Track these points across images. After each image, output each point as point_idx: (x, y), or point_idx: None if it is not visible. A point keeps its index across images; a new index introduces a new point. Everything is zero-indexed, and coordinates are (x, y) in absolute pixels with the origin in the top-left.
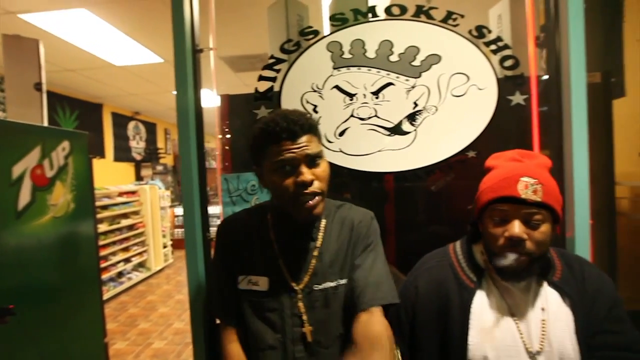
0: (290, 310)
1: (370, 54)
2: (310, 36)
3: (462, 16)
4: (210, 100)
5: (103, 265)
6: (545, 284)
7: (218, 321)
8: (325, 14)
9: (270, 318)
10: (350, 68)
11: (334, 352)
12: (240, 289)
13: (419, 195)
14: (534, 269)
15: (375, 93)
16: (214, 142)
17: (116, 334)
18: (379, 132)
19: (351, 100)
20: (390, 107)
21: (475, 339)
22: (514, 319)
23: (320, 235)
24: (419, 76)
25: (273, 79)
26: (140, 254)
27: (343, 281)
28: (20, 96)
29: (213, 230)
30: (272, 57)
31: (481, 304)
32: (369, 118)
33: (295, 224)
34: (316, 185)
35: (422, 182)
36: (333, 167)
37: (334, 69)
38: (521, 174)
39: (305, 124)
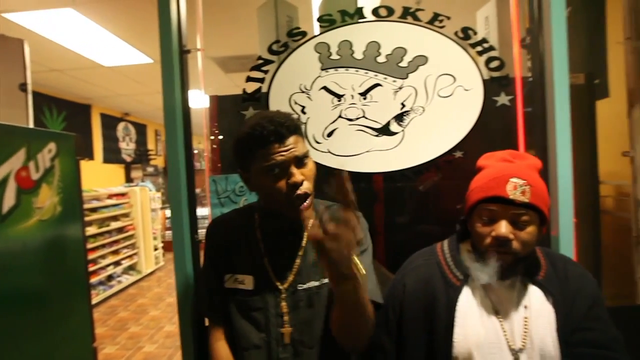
0: (274, 310)
1: (358, 55)
2: (298, 37)
3: (448, 18)
4: (200, 101)
5: (92, 268)
6: (529, 283)
7: (207, 323)
8: (316, 15)
9: (255, 317)
10: (338, 69)
11: (318, 353)
12: (226, 288)
13: (407, 196)
14: (519, 269)
15: (363, 94)
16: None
17: (105, 338)
18: (367, 132)
19: (339, 101)
20: (378, 108)
21: (460, 336)
22: (498, 316)
23: (306, 234)
24: (406, 77)
25: (261, 80)
26: (130, 256)
27: (326, 280)
28: (4, 97)
29: (202, 232)
30: (259, 58)
31: (467, 302)
32: (357, 119)
33: (282, 224)
34: (305, 186)
35: (411, 182)
36: (322, 167)
37: (322, 70)
38: (511, 175)
39: (292, 125)
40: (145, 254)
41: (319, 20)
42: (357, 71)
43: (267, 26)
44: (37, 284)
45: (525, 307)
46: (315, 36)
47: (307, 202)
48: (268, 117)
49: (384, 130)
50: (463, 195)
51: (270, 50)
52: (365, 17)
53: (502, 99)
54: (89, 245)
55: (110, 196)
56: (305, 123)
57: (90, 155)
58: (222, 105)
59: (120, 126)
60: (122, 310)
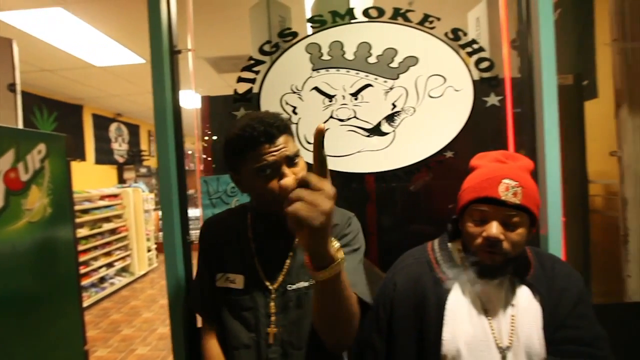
0: (264, 310)
1: (349, 55)
2: (289, 38)
3: (439, 19)
4: (191, 101)
5: (84, 270)
6: (518, 281)
7: (200, 324)
8: (309, 16)
9: (245, 317)
10: (329, 69)
11: (306, 354)
12: (217, 287)
13: (399, 195)
14: (508, 269)
15: (354, 94)
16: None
17: (98, 341)
18: (358, 133)
19: (330, 101)
20: (369, 109)
21: (449, 334)
22: (486, 315)
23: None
24: (397, 78)
25: (252, 81)
26: (123, 258)
27: None
28: None
29: (194, 233)
30: (251, 58)
31: (456, 301)
32: (348, 119)
33: (273, 224)
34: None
35: (402, 182)
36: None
37: (313, 70)
38: (503, 176)
39: (281, 125)
40: (138, 255)
41: (309, 20)
42: (348, 72)
43: (260, 26)
44: (26, 286)
45: (513, 305)
46: (306, 37)
47: None
48: (257, 118)
49: (375, 131)
50: (454, 195)
51: (262, 51)
52: (356, 18)
53: (492, 100)
54: (81, 247)
55: (102, 197)
56: (296, 123)
57: (82, 156)
58: (213, 106)
59: (113, 127)
60: (115, 312)
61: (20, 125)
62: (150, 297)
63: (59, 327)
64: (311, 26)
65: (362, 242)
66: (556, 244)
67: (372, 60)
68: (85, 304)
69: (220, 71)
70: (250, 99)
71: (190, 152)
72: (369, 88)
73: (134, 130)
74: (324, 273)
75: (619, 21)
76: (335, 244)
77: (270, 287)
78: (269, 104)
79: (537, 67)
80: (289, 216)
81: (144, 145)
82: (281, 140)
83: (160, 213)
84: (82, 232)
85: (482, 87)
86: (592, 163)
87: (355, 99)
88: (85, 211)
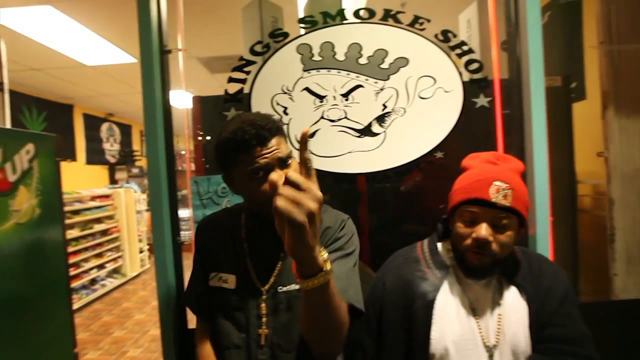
0: (255, 311)
1: (340, 56)
2: (280, 38)
3: (429, 20)
4: (183, 101)
5: (74, 272)
6: (505, 281)
7: (190, 326)
8: (302, 16)
9: (236, 317)
10: (320, 70)
11: (296, 358)
12: (210, 286)
13: (390, 196)
14: (496, 269)
15: (345, 95)
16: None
17: (88, 343)
18: (349, 133)
19: (321, 102)
20: (360, 109)
21: (438, 333)
22: (474, 314)
23: None
24: (388, 79)
25: (243, 81)
26: (115, 259)
27: None
28: None
29: (184, 234)
30: (241, 58)
31: (444, 300)
32: (339, 120)
33: (266, 225)
34: None
35: (393, 182)
36: None
37: (304, 71)
38: (494, 178)
39: (273, 127)
40: (130, 256)
41: (300, 21)
42: (339, 72)
43: (252, 27)
44: (14, 289)
45: (500, 304)
46: (297, 37)
47: None
48: (249, 121)
49: (366, 131)
50: (444, 195)
51: (253, 51)
52: (346, 19)
53: (482, 101)
54: (71, 249)
55: (93, 198)
56: (287, 124)
57: (72, 157)
58: (204, 106)
59: (104, 127)
60: (106, 314)
61: (8, 125)
62: (142, 299)
63: (48, 330)
64: (301, 27)
65: (356, 245)
66: (544, 243)
67: (362, 61)
68: (75, 306)
69: (214, 71)
70: (241, 100)
71: (183, 152)
72: (360, 89)
73: (125, 130)
74: (310, 282)
75: (606, 24)
76: (324, 254)
77: (262, 289)
78: (259, 104)
79: (526, 69)
80: (274, 212)
81: (136, 146)
82: (273, 142)
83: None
84: (72, 233)
85: (472, 89)
86: (581, 164)
87: (346, 100)
88: (76, 212)
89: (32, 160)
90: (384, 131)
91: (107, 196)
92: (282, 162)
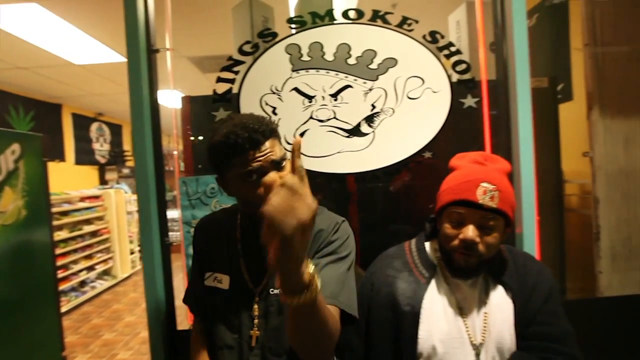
0: (247, 312)
1: (329, 56)
2: (269, 38)
3: (417, 21)
4: (170, 100)
5: (63, 274)
6: (492, 280)
7: (179, 328)
8: (293, 16)
9: (229, 318)
10: (309, 70)
11: None
12: (205, 286)
13: (379, 195)
14: (483, 269)
15: (334, 95)
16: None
17: (77, 346)
18: (337, 133)
19: (310, 102)
20: (349, 109)
21: (425, 332)
22: (461, 313)
23: None
24: (376, 79)
25: (232, 81)
26: (105, 261)
27: None
28: None
29: (172, 235)
30: (230, 58)
31: (432, 299)
32: (328, 120)
33: (261, 227)
34: None
35: (382, 182)
36: None
37: (293, 71)
38: (481, 179)
39: (266, 130)
40: (120, 258)
41: (289, 21)
42: (327, 72)
43: (242, 26)
44: (0, 291)
45: (487, 303)
46: (286, 37)
47: None
48: (241, 124)
49: (355, 132)
50: (433, 195)
51: (241, 51)
52: (335, 20)
53: (469, 101)
54: (60, 250)
55: (82, 199)
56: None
57: (61, 157)
58: (194, 106)
59: (94, 126)
60: (96, 316)
61: None
62: (133, 301)
63: (35, 333)
64: (290, 27)
65: (351, 249)
66: (531, 242)
67: (351, 61)
68: (64, 309)
69: (205, 71)
70: (230, 100)
71: (175, 152)
72: (349, 89)
73: (116, 130)
74: (294, 299)
75: (590, 27)
76: (311, 268)
77: (254, 290)
78: (248, 104)
79: (512, 71)
80: (263, 218)
81: (126, 146)
82: (267, 145)
83: None
84: (61, 234)
85: (460, 89)
86: (569, 163)
87: (335, 100)
88: (65, 213)
89: (17, 161)
90: (373, 131)
91: (97, 197)
92: (276, 165)
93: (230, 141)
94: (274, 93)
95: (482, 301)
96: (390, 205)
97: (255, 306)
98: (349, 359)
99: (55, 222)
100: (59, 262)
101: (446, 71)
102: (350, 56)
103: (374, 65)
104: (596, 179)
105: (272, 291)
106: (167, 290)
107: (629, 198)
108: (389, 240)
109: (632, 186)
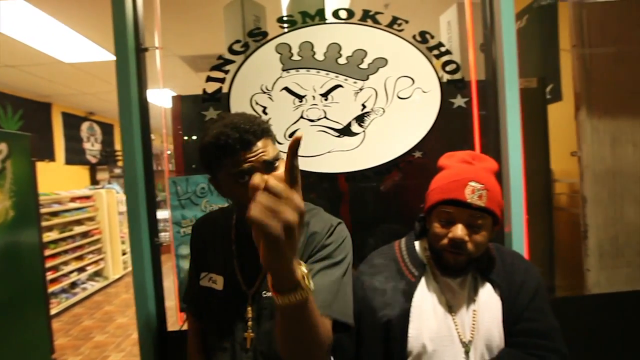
0: (241, 314)
1: (319, 56)
2: (259, 37)
3: (407, 22)
4: (160, 100)
5: (53, 276)
6: (481, 278)
7: (170, 329)
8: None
9: (223, 319)
10: (300, 70)
11: None
12: (200, 286)
13: (369, 195)
14: (471, 267)
15: (324, 95)
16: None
17: (68, 349)
18: (328, 133)
19: (300, 101)
20: (339, 109)
21: (415, 330)
22: (450, 311)
23: None
24: (367, 79)
25: (222, 80)
26: (96, 262)
27: None
28: None
29: (162, 235)
30: (220, 57)
31: (422, 298)
32: (319, 119)
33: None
34: None
35: (372, 182)
36: None
37: (283, 70)
38: (470, 179)
39: (258, 130)
40: (112, 259)
41: (279, 21)
42: (318, 72)
43: (234, 25)
44: None
45: (475, 301)
46: (276, 37)
47: None
48: (232, 124)
49: (345, 131)
50: (423, 194)
51: (231, 50)
52: (326, 19)
53: (459, 101)
54: (50, 252)
55: (73, 199)
56: None
57: (50, 157)
58: (184, 105)
59: (85, 126)
60: (87, 318)
61: None
62: (125, 302)
63: (24, 335)
64: (280, 26)
65: (347, 252)
66: (520, 240)
67: (342, 61)
68: (54, 311)
69: (198, 70)
70: (220, 99)
71: (169, 152)
72: (339, 89)
73: (107, 129)
74: (284, 298)
75: (578, 28)
76: (303, 268)
77: (247, 292)
78: (238, 104)
79: (501, 71)
80: (249, 222)
81: (118, 145)
82: (259, 145)
83: None
84: (51, 235)
85: (449, 89)
86: (559, 163)
87: (326, 100)
88: (55, 214)
89: (5, 161)
90: (363, 131)
91: (88, 197)
92: (269, 165)
93: (220, 142)
94: (264, 92)
95: (471, 299)
96: (380, 205)
97: (249, 308)
98: (340, 358)
99: (45, 223)
100: (49, 264)
101: (436, 71)
102: (340, 56)
103: (364, 65)
104: (584, 178)
105: (265, 294)
106: (157, 291)
107: (615, 197)
108: (379, 240)
109: (618, 185)
